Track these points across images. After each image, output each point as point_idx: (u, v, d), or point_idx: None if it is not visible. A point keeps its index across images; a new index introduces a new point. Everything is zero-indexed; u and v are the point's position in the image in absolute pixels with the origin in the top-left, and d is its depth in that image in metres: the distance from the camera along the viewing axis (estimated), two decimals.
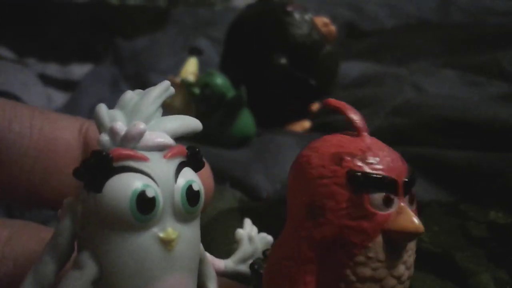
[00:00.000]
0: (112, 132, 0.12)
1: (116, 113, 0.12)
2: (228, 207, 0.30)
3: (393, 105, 0.40)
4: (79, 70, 0.67)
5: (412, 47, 0.66)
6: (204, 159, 0.13)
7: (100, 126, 0.12)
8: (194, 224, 0.12)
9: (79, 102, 0.53)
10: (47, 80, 0.60)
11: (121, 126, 0.12)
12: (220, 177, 0.34)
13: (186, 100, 0.45)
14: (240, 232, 0.16)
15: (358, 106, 0.49)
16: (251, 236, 0.16)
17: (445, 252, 0.22)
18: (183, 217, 0.12)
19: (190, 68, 0.50)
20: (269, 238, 0.17)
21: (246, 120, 0.43)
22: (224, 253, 0.17)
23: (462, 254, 0.22)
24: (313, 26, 0.47)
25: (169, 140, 0.12)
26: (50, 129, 0.15)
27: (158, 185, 0.11)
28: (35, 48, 0.71)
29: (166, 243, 0.11)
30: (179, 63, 0.54)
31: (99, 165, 0.11)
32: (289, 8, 0.47)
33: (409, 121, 0.36)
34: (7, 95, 0.52)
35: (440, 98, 0.40)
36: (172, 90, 0.14)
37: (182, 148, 0.13)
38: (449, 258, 0.22)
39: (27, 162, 0.14)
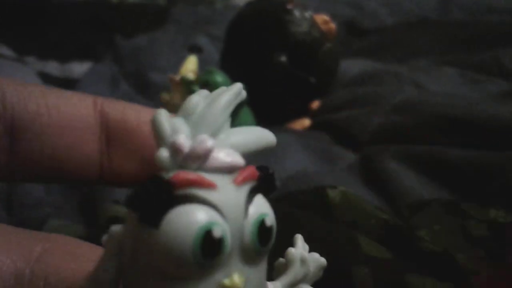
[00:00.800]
0: (174, 148, 0.10)
1: (180, 123, 0.10)
2: None
3: (393, 103, 0.40)
4: (79, 69, 0.67)
5: (412, 45, 0.66)
6: (276, 182, 0.11)
7: (159, 139, 0.10)
8: (262, 265, 0.10)
9: None
10: (46, 78, 0.60)
11: (185, 140, 0.10)
12: None
13: (186, 97, 0.44)
14: (292, 252, 0.13)
15: (358, 104, 0.49)
16: (303, 258, 0.13)
17: (446, 252, 0.22)
18: (252, 258, 0.10)
19: (190, 66, 0.50)
20: (322, 260, 0.14)
21: (246, 118, 0.43)
22: None
23: (463, 254, 0.22)
24: (313, 24, 0.46)
25: (239, 160, 0.10)
26: (66, 107, 0.15)
27: (227, 221, 0.09)
28: (35, 46, 0.71)
29: None
30: (179, 61, 0.54)
31: (159, 194, 0.09)
32: (289, 6, 0.47)
33: (409, 119, 0.36)
34: None
35: (440, 96, 0.40)
36: (244, 94, 0.12)
37: (253, 170, 0.10)
38: (450, 258, 0.22)
39: (48, 140, 0.14)
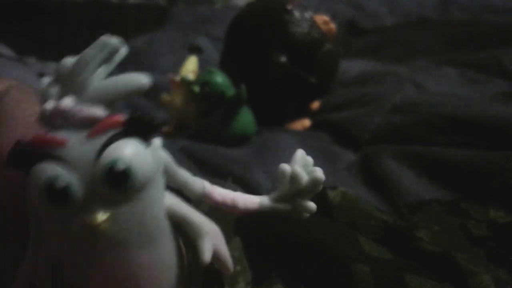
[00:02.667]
0: (41, 113, 0.12)
1: (51, 89, 0.12)
2: None
3: (393, 103, 0.40)
4: None
5: (412, 45, 0.66)
6: (156, 120, 0.12)
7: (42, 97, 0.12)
8: (137, 199, 0.12)
9: None
10: None
11: (49, 105, 0.12)
12: (221, 173, 0.34)
13: (186, 98, 0.45)
14: (282, 168, 0.14)
15: (358, 104, 0.49)
16: (294, 173, 0.14)
17: (446, 253, 0.22)
18: (113, 198, 0.11)
19: (190, 67, 0.50)
20: (318, 175, 0.14)
21: (246, 118, 0.43)
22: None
23: (463, 255, 0.22)
24: (313, 24, 0.47)
25: (97, 113, 0.11)
26: None
27: (75, 172, 0.11)
28: (34, 47, 0.71)
29: (94, 227, 0.11)
30: (179, 62, 0.54)
31: (20, 157, 0.11)
32: (289, 6, 0.47)
33: (409, 119, 0.36)
34: None
35: (440, 96, 0.40)
36: (121, 49, 0.13)
37: (115, 118, 0.12)
38: (450, 258, 0.22)
39: None
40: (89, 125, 0.11)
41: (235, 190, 0.34)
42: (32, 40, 0.73)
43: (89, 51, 0.12)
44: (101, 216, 0.11)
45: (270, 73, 0.45)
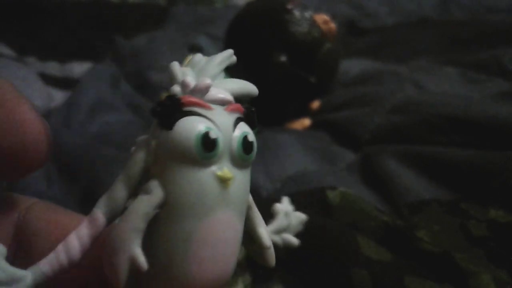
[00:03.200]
0: (183, 85, 0.14)
1: (187, 70, 0.15)
2: None
3: (393, 103, 0.40)
4: (79, 68, 0.67)
5: (412, 44, 0.66)
6: (257, 121, 0.15)
7: (173, 79, 0.14)
8: (246, 171, 0.14)
9: (79, 100, 0.53)
10: (47, 79, 0.60)
11: (191, 80, 0.14)
12: None
13: None
14: (277, 205, 0.18)
15: (358, 104, 0.49)
16: (287, 211, 0.18)
17: (446, 253, 0.22)
18: (238, 162, 0.13)
19: None
20: (303, 216, 0.18)
21: None
22: None
23: (462, 255, 0.22)
24: (313, 23, 0.46)
25: (229, 97, 0.14)
26: None
27: (219, 130, 0.13)
28: (35, 46, 0.71)
29: (223, 181, 0.13)
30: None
31: (172, 106, 0.13)
32: (289, 6, 0.47)
33: (409, 119, 0.36)
34: None
35: (440, 96, 0.40)
36: (234, 59, 0.16)
37: (240, 106, 0.14)
38: (450, 258, 0.22)
39: None
40: (220, 104, 0.14)
41: None
42: (32, 40, 0.73)
43: (221, 55, 0.15)
44: (229, 174, 0.13)
45: (270, 72, 0.45)
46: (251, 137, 0.14)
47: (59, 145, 0.42)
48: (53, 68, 0.66)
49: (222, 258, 0.13)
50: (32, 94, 0.54)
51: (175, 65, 0.15)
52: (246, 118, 0.14)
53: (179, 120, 0.13)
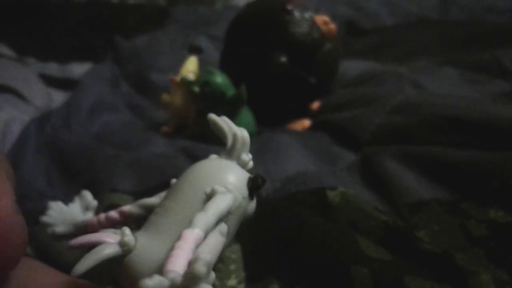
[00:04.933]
0: (235, 136, 0.19)
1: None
2: None
3: (393, 104, 0.40)
4: (79, 69, 0.67)
5: (412, 45, 0.66)
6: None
7: (245, 147, 0.19)
8: None
9: (79, 100, 0.53)
10: (47, 79, 0.60)
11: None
12: None
13: (186, 98, 0.45)
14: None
15: (358, 104, 0.49)
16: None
17: (446, 253, 0.22)
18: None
19: (190, 67, 0.50)
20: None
21: (246, 119, 0.43)
22: None
23: (462, 255, 0.22)
24: (313, 24, 0.47)
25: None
26: None
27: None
28: (35, 47, 0.71)
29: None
30: (179, 62, 0.54)
31: (260, 185, 0.18)
32: (289, 7, 0.47)
33: (409, 120, 0.36)
34: (8, 89, 0.52)
35: (440, 97, 0.40)
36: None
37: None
38: (450, 258, 0.22)
39: None
40: None
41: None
42: (32, 40, 0.73)
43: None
44: None
45: (270, 73, 0.45)
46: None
47: (59, 145, 0.42)
48: (53, 68, 0.66)
49: None
50: (32, 94, 0.54)
51: (246, 133, 0.19)
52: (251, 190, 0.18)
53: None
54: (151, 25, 0.85)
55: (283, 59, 0.45)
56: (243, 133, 0.19)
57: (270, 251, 0.25)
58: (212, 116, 0.19)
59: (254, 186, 0.17)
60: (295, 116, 0.48)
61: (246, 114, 0.43)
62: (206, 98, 0.41)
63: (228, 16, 0.62)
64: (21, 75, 0.58)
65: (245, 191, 0.17)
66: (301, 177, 0.32)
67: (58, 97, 0.57)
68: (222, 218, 0.16)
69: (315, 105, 0.49)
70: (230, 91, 0.41)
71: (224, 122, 0.19)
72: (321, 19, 0.48)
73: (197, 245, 0.14)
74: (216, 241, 0.15)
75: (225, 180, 0.17)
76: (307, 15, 0.47)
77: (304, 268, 0.23)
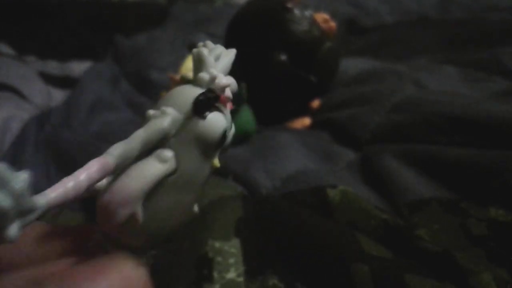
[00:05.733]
0: (216, 82, 0.16)
1: (213, 62, 0.17)
2: (229, 194, 0.31)
3: (394, 102, 0.40)
4: (78, 67, 0.67)
5: (413, 43, 0.66)
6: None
7: (201, 66, 0.17)
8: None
9: (79, 99, 0.53)
10: (47, 78, 0.60)
11: (224, 80, 0.16)
12: (222, 172, 0.34)
13: None
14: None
15: (358, 103, 0.49)
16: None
17: (446, 252, 0.22)
18: (220, 152, 0.16)
19: (190, 65, 0.49)
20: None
21: (246, 117, 0.43)
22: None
23: (463, 254, 0.22)
24: (313, 22, 0.46)
25: (231, 96, 0.16)
26: None
27: (229, 129, 0.16)
28: (34, 45, 0.71)
29: (212, 168, 0.16)
30: (179, 60, 0.54)
31: (212, 100, 0.15)
32: (289, 5, 0.46)
33: (409, 118, 0.36)
34: (8, 87, 0.52)
35: (440, 95, 0.40)
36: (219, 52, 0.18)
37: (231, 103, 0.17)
38: (450, 257, 0.22)
39: None
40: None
41: (236, 187, 0.34)
42: (32, 39, 0.73)
43: (231, 52, 0.18)
44: (218, 163, 0.16)
45: (270, 72, 0.45)
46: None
47: (59, 143, 0.42)
48: (53, 67, 0.66)
49: (181, 219, 0.16)
50: (31, 93, 0.54)
51: (205, 52, 0.17)
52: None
53: (211, 114, 0.15)
54: (151, 23, 0.85)
55: (283, 57, 0.45)
56: (198, 51, 0.17)
57: (270, 250, 0.25)
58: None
59: (200, 101, 0.15)
60: (295, 114, 0.48)
61: (246, 112, 0.43)
62: None
63: (228, 14, 0.62)
64: (21, 73, 0.58)
65: (187, 108, 0.15)
66: (301, 175, 0.32)
67: (58, 95, 0.57)
68: (159, 143, 0.15)
69: (315, 103, 0.49)
70: None
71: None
72: (321, 17, 0.47)
73: (104, 172, 0.13)
74: (148, 167, 0.14)
75: (166, 103, 0.16)
76: (307, 13, 0.47)
77: (304, 267, 0.23)
